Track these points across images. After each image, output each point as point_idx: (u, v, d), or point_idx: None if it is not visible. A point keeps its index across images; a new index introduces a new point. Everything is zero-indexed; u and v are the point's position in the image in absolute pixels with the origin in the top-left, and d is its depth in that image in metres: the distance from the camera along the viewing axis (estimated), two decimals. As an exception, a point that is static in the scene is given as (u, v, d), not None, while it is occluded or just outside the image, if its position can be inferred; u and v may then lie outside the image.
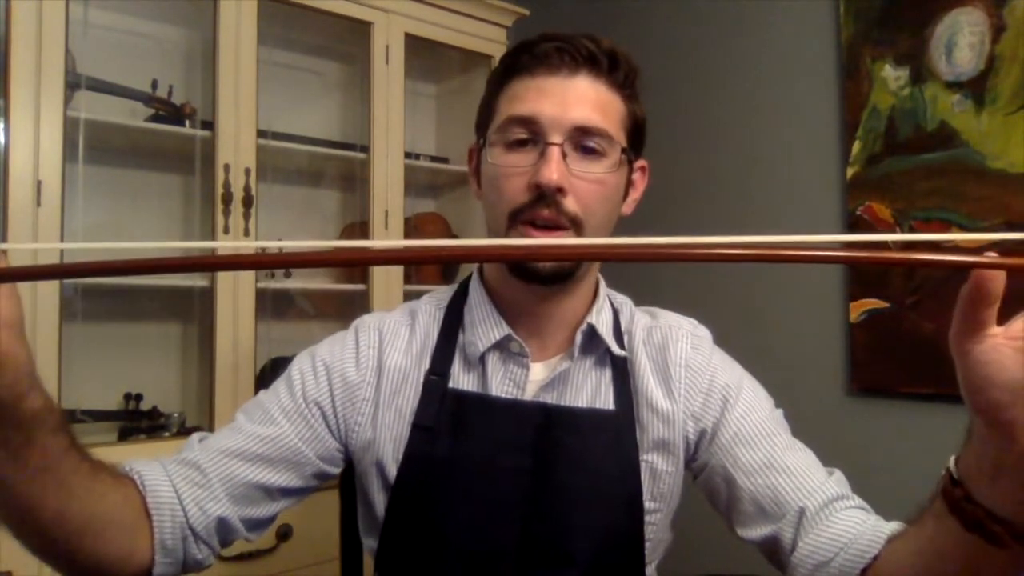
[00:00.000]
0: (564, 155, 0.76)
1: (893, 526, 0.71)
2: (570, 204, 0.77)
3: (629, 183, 0.86)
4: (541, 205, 0.76)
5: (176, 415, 1.69)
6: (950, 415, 1.48)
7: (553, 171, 0.75)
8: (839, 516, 0.74)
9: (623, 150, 0.80)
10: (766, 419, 0.84)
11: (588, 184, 0.78)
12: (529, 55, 0.79)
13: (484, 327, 0.84)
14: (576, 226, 0.77)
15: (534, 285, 0.81)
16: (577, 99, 0.77)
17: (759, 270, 1.92)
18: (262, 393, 0.86)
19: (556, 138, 0.76)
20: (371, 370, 0.85)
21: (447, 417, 0.82)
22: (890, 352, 1.63)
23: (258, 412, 0.83)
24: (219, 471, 0.77)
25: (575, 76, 0.78)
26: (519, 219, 0.77)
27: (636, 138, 0.84)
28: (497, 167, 0.79)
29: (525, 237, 0.77)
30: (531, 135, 0.78)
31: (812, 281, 1.80)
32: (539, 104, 0.77)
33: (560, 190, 0.76)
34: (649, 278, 2.12)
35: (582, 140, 0.77)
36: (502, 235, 0.79)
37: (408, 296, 1.94)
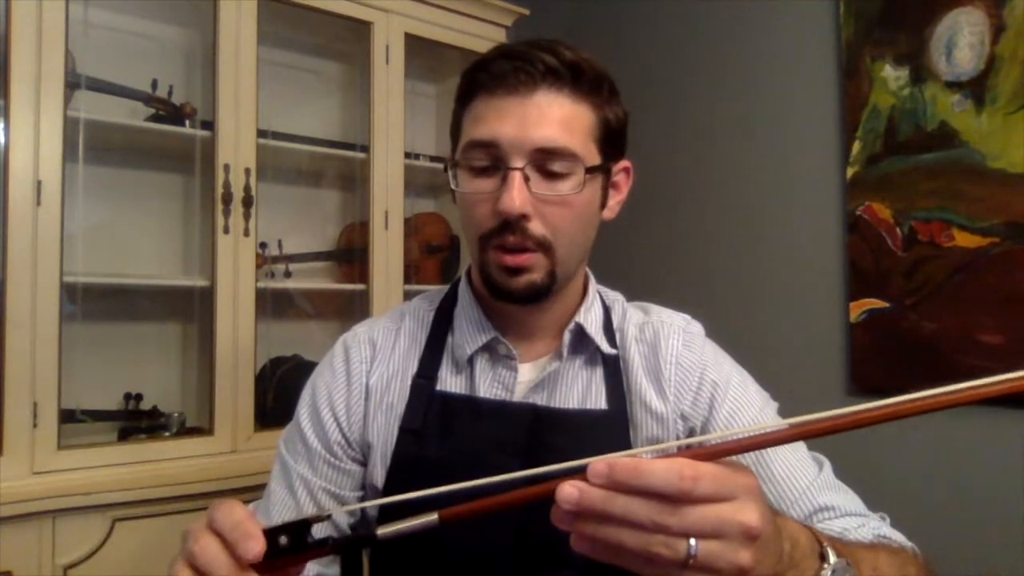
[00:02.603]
0: (527, 178, 0.75)
1: (873, 532, 0.72)
2: (536, 228, 0.76)
3: (611, 186, 0.84)
4: (507, 232, 0.76)
5: (176, 415, 1.69)
6: (950, 415, 1.48)
7: (515, 199, 0.74)
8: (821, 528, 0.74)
9: (588, 169, 0.77)
10: (755, 420, 0.83)
11: (554, 207, 0.77)
12: (486, 73, 0.77)
13: (472, 330, 0.85)
14: (544, 248, 0.77)
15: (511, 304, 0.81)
16: (537, 119, 0.75)
17: (758, 271, 1.92)
18: (284, 452, 0.89)
19: (517, 162, 0.75)
20: (363, 384, 0.87)
21: (434, 420, 0.82)
22: (890, 352, 1.63)
23: (289, 476, 0.86)
24: None
25: (534, 93, 0.75)
26: (489, 244, 0.78)
27: (612, 143, 0.82)
28: (464, 194, 0.80)
29: (496, 261, 0.78)
30: (492, 160, 0.76)
31: (812, 281, 1.80)
32: (499, 127, 0.75)
33: (524, 216, 0.75)
34: (649, 278, 2.12)
35: (544, 163, 0.76)
36: (477, 253, 0.80)
37: (408, 295, 1.95)
